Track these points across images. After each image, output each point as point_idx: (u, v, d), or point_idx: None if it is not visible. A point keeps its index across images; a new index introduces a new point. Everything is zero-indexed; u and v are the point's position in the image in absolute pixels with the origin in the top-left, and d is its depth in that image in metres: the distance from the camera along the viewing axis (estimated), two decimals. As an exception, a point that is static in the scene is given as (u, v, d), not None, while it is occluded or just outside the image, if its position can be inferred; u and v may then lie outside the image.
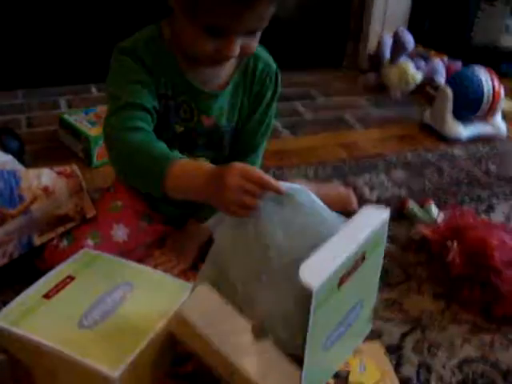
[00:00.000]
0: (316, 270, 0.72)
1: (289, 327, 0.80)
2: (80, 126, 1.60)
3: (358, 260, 0.79)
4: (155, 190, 0.91)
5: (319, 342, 0.79)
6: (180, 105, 1.10)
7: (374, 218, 0.84)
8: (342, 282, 0.76)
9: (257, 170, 0.83)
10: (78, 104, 1.96)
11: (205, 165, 0.92)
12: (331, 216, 0.85)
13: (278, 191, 0.81)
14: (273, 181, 0.81)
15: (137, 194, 1.21)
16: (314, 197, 0.86)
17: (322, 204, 0.86)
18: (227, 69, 1.11)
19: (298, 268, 0.71)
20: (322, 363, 0.84)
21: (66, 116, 1.66)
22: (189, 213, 1.22)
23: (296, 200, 0.83)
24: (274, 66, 1.17)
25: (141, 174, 0.94)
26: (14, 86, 2.07)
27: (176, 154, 0.94)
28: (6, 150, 1.43)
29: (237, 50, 0.97)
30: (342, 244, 0.77)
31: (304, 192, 0.85)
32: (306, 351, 0.74)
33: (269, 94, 1.18)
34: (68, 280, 0.97)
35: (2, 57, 2.02)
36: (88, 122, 1.62)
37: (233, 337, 0.83)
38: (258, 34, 1.00)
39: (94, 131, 1.57)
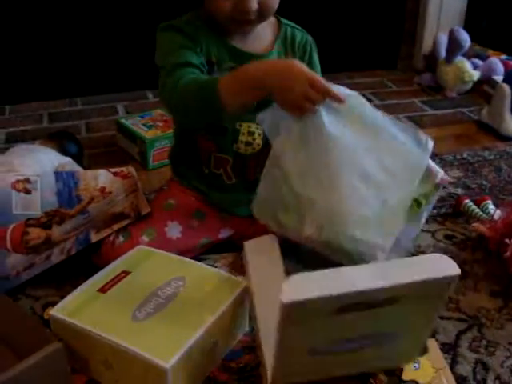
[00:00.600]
0: None
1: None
2: (136, 129, 1.64)
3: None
4: (214, 106, 0.96)
5: None
6: (227, 71, 1.09)
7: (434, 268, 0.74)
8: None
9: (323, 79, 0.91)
10: (135, 110, 2.01)
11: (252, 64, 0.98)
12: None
13: (339, 100, 0.91)
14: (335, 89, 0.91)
15: (189, 190, 1.22)
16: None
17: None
18: (267, 34, 1.15)
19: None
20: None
21: (122, 120, 1.71)
22: (241, 199, 1.19)
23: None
24: (309, 36, 1.20)
25: (197, 99, 0.98)
26: (73, 93, 2.13)
27: None
28: (66, 154, 1.48)
29: (253, 4, 1.01)
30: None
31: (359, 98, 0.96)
32: None
33: (315, 57, 1.20)
34: (123, 275, 0.99)
35: (62, 66, 2.10)
36: (144, 126, 1.65)
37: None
38: None
39: (150, 134, 1.60)
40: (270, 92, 0.94)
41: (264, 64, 0.99)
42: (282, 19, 1.19)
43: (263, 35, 1.15)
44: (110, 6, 2.08)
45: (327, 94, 0.91)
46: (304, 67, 0.93)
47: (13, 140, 1.81)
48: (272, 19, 1.17)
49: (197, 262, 1.05)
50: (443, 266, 0.73)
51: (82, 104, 2.09)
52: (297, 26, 1.20)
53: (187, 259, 1.05)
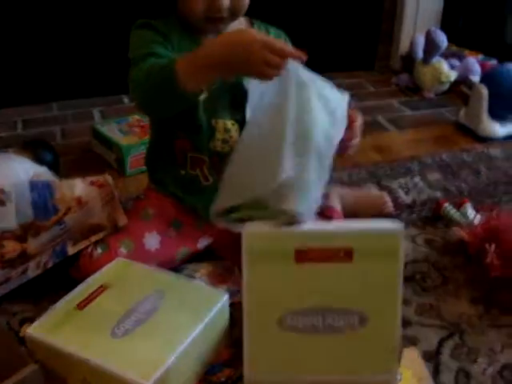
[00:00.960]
0: None
1: None
2: (112, 135, 1.61)
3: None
4: (174, 87, 0.94)
5: None
6: None
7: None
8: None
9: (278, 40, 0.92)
10: (112, 114, 1.99)
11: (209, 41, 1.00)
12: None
13: (300, 58, 0.91)
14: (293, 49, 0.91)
15: (166, 197, 1.20)
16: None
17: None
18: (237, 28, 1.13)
19: None
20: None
21: (98, 126, 1.68)
22: None
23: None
24: (283, 32, 1.20)
25: (157, 82, 0.97)
26: (48, 98, 2.10)
27: None
28: (41, 162, 1.45)
29: (225, 1, 1.03)
30: None
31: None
32: None
33: None
34: (100, 290, 0.97)
35: (36, 70, 2.07)
36: (120, 132, 1.63)
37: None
38: None
39: (126, 140, 1.58)
40: (229, 67, 0.94)
41: (217, 40, 0.96)
42: (254, 20, 1.19)
43: None
44: (84, 9, 2.05)
45: (285, 55, 0.90)
46: (256, 33, 0.92)
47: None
48: (243, 21, 1.16)
49: (176, 275, 1.04)
50: (389, 224, 0.86)
51: (57, 109, 2.07)
52: (270, 25, 1.20)
53: (167, 272, 1.04)
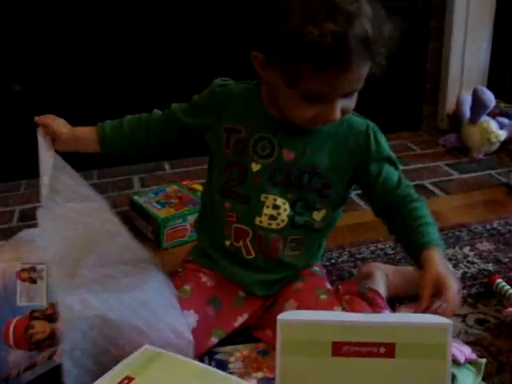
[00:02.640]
0: None
1: None
2: (149, 207, 1.59)
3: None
4: None
5: None
6: (257, 141, 1.09)
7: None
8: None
9: None
10: (152, 182, 1.98)
11: None
12: None
13: None
14: None
15: (206, 269, 1.18)
16: None
17: None
18: None
19: None
20: None
21: (135, 198, 1.66)
22: (259, 277, 1.16)
23: None
24: (370, 123, 1.14)
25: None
26: (89, 166, 2.11)
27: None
28: (76, 236, 1.43)
29: (338, 114, 0.99)
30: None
31: None
32: None
33: (372, 149, 1.12)
34: (126, 381, 0.91)
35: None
36: (157, 203, 1.60)
37: None
38: (355, 94, 1.01)
39: (163, 212, 1.55)
40: None
41: None
42: None
43: None
44: (124, 76, 2.07)
45: None
46: None
47: (26, 218, 1.77)
48: None
49: (207, 367, 0.97)
50: (435, 317, 0.82)
51: (97, 177, 2.07)
52: (359, 117, 1.15)
53: (198, 363, 0.97)
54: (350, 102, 1.01)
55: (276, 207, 1.11)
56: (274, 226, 1.11)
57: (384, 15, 0.96)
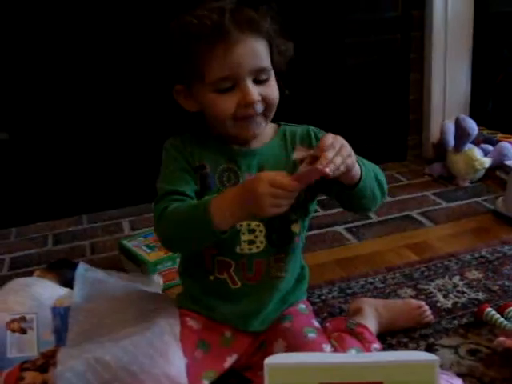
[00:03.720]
0: None
1: None
2: (138, 251, 1.59)
3: None
4: (205, 229, 0.98)
5: None
6: (222, 174, 1.11)
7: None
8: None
9: (281, 177, 0.92)
10: (142, 225, 1.98)
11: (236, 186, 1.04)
12: None
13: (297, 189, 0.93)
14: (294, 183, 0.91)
15: (194, 313, 1.17)
16: None
17: None
18: (267, 134, 1.15)
19: None
20: None
21: (124, 242, 1.66)
22: (247, 309, 1.16)
23: None
24: (311, 127, 1.19)
25: (188, 225, 1.02)
26: (78, 211, 2.12)
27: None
28: (66, 283, 1.43)
29: (255, 94, 1.03)
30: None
31: None
32: None
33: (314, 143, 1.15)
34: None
35: (67, 184, 2.09)
36: (146, 247, 1.61)
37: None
38: (272, 82, 1.07)
39: (153, 256, 1.55)
40: (248, 213, 0.98)
41: (239, 187, 1.01)
42: (281, 123, 1.19)
43: (263, 137, 1.15)
44: (114, 121, 2.09)
45: (288, 189, 0.92)
46: (266, 174, 0.96)
47: (16, 266, 1.78)
48: (273, 124, 1.17)
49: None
50: (423, 355, 0.84)
51: (87, 222, 2.07)
52: (299, 125, 1.19)
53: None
54: (267, 89, 1.06)
55: (251, 231, 1.12)
56: (254, 249, 1.12)
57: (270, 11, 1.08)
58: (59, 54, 1.98)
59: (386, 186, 1.12)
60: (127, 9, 1.99)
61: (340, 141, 0.96)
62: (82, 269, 1.40)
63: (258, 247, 1.12)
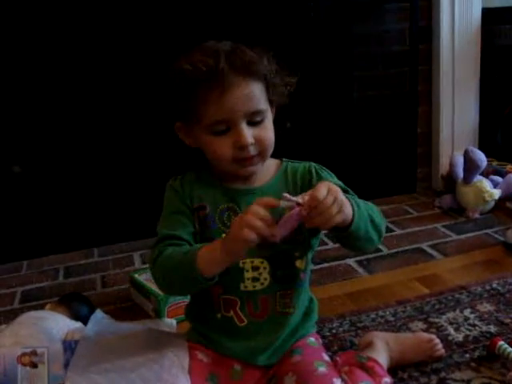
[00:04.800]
0: None
1: None
2: (149, 284, 1.59)
3: None
4: (193, 275, 1.00)
5: None
6: (222, 214, 1.12)
7: None
8: None
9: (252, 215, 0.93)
10: (152, 258, 1.99)
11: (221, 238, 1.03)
12: None
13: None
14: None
15: (202, 349, 1.17)
16: None
17: None
18: (270, 172, 1.16)
19: None
20: None
21: (135, 275, 1.67)
22: (255, 345, 1.15)
23: None
24: (313, 163, 1.18)
25: (177, 272, 1.03)
26: (90, 244, 2.13)
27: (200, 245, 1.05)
28: (77, 317, 1.44)
29: (249, 137, 1.05)
30: None
31: None
32: None
33: (324, 174, 1.15)
34: None
35: (78, 217, 2.11)
36: (157, 280, 1.61)
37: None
38: (266, 124, 1.08)
39: (163, 289, 1.55)
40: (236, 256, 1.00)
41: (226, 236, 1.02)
42: (284, 159, 1.19)
43: (265, 175, 1.16)
44: (125, 156, 2.12)
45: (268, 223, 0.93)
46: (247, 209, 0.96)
47: (27, 299, 1.78)
48: (276, 161, 1.18)
49: None
50: None
51: (98, 255, 2.08)
52: (301, 162, 1.19)
53: None
54: (261, 131, 1.07)
55: (255, 268, 1.12)
56: (258, 286, 1.12)
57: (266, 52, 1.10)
58: (71, 89, 2.02)
59: (383, 228, 1.10)
60: (127, 51, 2.04)
61: (333, 193, 0.94)
62: (99, 314, 1.45)
63: (262, 284, 1.12)
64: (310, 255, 1.19)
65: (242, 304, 1.13)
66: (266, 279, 1.12)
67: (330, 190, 0.94)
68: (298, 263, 1.14)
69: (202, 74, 1.03)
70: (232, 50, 1.06)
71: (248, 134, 1.05)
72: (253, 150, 1.07)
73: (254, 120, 1.06)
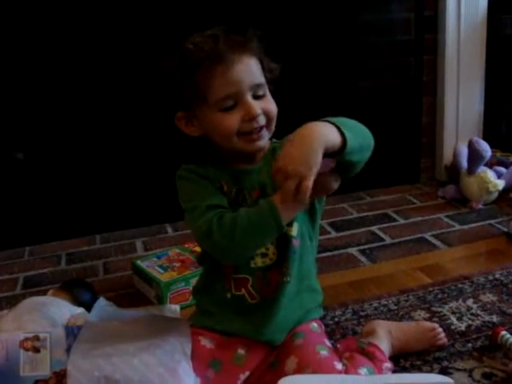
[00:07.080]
0: None
1: None
2: (152, 271, 1.59)
3: None
4: (275, 227, 1.04)
5: None
6: (237, 194, 1.14)
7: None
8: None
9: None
10: (155, 245, 1.99)
11: None
12: None
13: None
14: None
15: (207, 331, 1.18)
16: None
17: None
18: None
19: None
20: None
21: (138, 262, 1.67)
22: (264, 322, 1.16)
23: None
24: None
25: (255, 229, 1.05)
26: (92, 231, 2.13)
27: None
28: (80, 303, 1.44)
29: (258, 109, 1.08)
30: None
31: None
32: None
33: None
34: None
35: (80, 203, 2.11)
36: (160, 267, 1.61)
37: None
38: (269, 97, 1.12)
39: (166, 276, 1.56)
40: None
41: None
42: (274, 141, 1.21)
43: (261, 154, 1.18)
44: (129, 142, 2.11)
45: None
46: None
47: (30, 285, 1.78)
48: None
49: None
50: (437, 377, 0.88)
51: (101, 241, 2.08)
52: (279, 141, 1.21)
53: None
54: (266, 103, 1.11)
55: None
56: (267, 262, 1.15)
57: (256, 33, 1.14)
58: (75, 77, 2.01)
59: (372, 143, 1.18)
60: (131, 40, 2.04)
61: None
62: (102, 302, 1.45)
63: (271, 259, 1.15)
64: (316, 221, 1.22)
65: (254, 281, 1.15)
66: (274, 254, 1.15)
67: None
68: (288, 230, 1.13)
69: (204, 53, 1.07)
70: (226, 33, 1.11)
71: (256, 106, 1.08)
72: (261, 121, 1.10)
73: (257, 93, 1.10)
